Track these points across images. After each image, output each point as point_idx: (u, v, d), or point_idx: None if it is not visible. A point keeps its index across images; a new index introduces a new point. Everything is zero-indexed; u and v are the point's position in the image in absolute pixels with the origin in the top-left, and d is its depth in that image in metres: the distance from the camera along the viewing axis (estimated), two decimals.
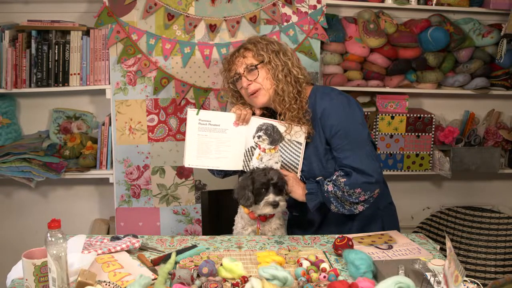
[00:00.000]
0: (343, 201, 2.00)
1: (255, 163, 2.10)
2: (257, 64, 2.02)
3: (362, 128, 2.01)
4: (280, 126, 2.06)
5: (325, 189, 2.00)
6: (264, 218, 2.01)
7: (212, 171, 2.21)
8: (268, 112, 2.15)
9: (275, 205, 1.92)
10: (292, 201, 2.13)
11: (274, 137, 2.07)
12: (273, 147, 2.08)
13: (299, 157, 2.07)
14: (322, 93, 2.06)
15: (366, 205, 2.02)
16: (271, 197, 1.92)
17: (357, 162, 1.96)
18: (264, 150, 2.09)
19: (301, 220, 2.19)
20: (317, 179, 2.05)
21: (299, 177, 2.10)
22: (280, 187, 1.95)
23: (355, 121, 2.00)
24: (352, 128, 1.99)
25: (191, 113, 2.08)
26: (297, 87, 2.02)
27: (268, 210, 1.94)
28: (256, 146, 2.10)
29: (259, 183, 1.94)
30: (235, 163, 2.13)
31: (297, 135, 2.04)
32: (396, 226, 2.19)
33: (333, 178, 2.00)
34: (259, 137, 2.08)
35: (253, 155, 2.12)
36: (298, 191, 2.05)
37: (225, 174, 2.22)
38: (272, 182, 1.93)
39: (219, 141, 2.10)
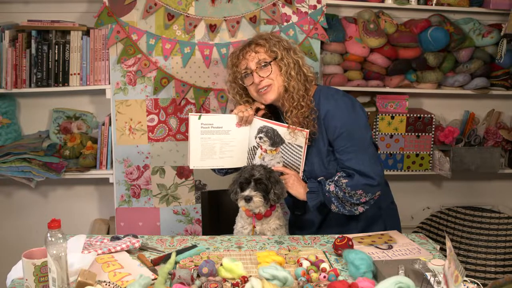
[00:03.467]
0: (344, 202, 2.00)
1: (257, 162, 2.12)
2: (271, 61, 2.01)
3: (365, 130, 2.01)
4: (281, 129, 2.06)
5: (326, 189, 2.00)
6: (260, 217, 2.01)
7: (213, 169, 2.21)
8: (269, 111, 2.15)
9: (247, 199, 1.92)
10: (292, 201, 2.13)
11: (275, 140, 2.07)
12: (274, 148, 2.09)
13: (300, 159, 2.07)
14: (327, 94, 2.05)
15: (366, 206, 2.02)
16: (246, 191, 1.93)
17: (360, 165, 1.96)
18: (265, 151, 2.10)
19: (301, 220, 2.20)
20: (318, 179, 2.05)
21: (301, 177, 2.10)
22: (263, 184, 1.94)
23: (359, 123, 2.00)
24: (355, 130, 1.99)
25: (193, 118, 2.07)
26: (305, 85, 2.03)
27: (242, 203, 1.96)
28: (258, 146, 2.11)
29: (243, 178, 1.97)
30: (240, 161, 2.15)
31: (297, 139, 2.04)
32: (398, 225, 2.20)
33: (335, 178, 2.01)
34: (260, 138, 2.09)
35: (255, 154, 2.13)
36: (299, 189, 2.05)
37: (225, 172, 2.23)
38: (254, 178, 1.94)
39: (223, 142, 2.11)
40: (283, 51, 2.02)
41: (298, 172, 2.10)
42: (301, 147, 2.04)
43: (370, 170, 1.96)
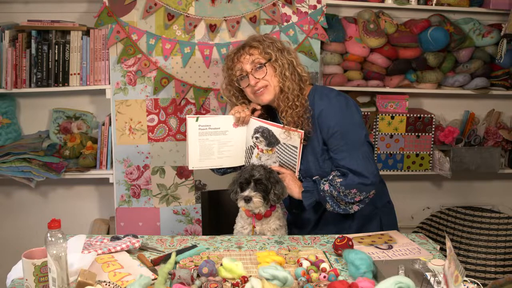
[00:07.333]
0: (338, 201, 2.01)
1: (254, 162, 2.14)
2: (265, 62, 2.02)
3: (359, 129, 2.02)
4: (276, 130, 2.07)
5: (321, 188, 2.01)
6: (260, 217, 2.02)
7: (212, 169, 2.22)
8: (266, 112, 2.16)
9: (247, 200, 1.93)
10: (289, 200, 2.14)
11: (270, 140, 2.09)
12: (270, 148, 2.10)
13: (295, 158, 2.08)
14: (321, 93, 2.07)
15: (361, 205, 2.03)
16: (246, 192, 1.93)
17: (353, 164, 1.97)
18: (262, 151, 2.12)
19: (298, 219, 2.21)
20: (313, 178, 2.06)
21: (297, 176, 2.11)
22: (263, 184, 1.95)
23: (353, 122, 2.01)
24: (349, 129, 2.00)
25: (190, 120, 2.09)
26: (300, 85, 2.04)
27: (241, 204, 1.96)
28: (255, 146, 2.12)
29: (242, 178, 1.97)
30: (238, 161, 2.17)
31: (292, 139, 2.04)
32: (394, 224, 2.20)
33: (330, 177, 2.02)
34: (256, 138, 2.10)
35: (252, 153, 2.14)
36: (294, 188, 2.06)
37: (224, 171, 2.24)
38: (253, 178, 1.94)
39: (221, 143, 2.13)
40: (277, 52, 2.03)
41: (294, 172, 2.11)
42: (296, 147, 2.05)
43: (364, 169, 1.97)
